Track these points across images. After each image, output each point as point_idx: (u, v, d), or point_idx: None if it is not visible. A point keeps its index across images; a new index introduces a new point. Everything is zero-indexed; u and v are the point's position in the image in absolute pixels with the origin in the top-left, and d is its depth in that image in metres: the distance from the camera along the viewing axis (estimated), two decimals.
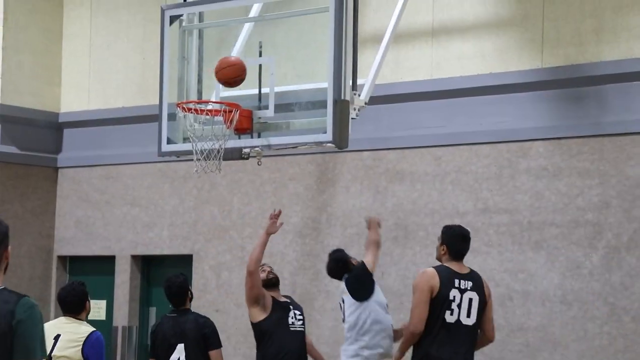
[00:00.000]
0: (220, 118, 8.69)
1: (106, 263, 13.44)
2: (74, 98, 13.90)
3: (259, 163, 8.87)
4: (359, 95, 8.57)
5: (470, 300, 7.66)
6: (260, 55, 8.96)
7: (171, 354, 8.69)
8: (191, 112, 8.69)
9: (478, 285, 7.71)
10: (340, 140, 8.19)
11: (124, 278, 13.23)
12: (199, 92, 9.40)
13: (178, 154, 9.21)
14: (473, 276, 7.75)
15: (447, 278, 7.64)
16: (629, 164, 9.74)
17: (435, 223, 10.86)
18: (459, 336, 7.63)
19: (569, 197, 10.08)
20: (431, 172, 10.92)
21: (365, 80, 8.89)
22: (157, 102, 12.73)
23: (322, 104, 8.41)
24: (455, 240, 7.74)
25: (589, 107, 10.04)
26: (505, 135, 10.44)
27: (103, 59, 13.65)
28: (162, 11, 9.30)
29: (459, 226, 8.10)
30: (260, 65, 8.89)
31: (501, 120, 10.48)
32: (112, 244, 13.32)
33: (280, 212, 8.73)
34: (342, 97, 8.25)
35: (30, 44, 13.72)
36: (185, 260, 12.74)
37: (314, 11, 8.92)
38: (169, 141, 9.17)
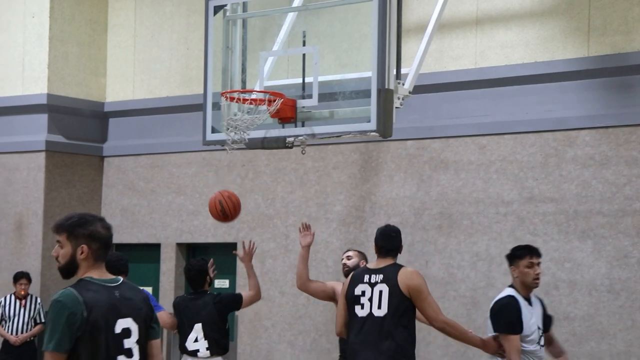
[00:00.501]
0: (264, 107, 8.57)
1: (152, 250, 13.41)
2: (119, 88, 13.86)
3: (303, 152, 8.74)
4: (403, 85, 8.43)
5: (380, 292, 7.45)
6: (304, 44, 8.84)
7: (188, 333, 8.77)
8: (235, 102, 8.58)
9: (389, 277, 7.40)
10: (385, 129, 8.06)
11: (169, 265, 13.19)
12: (243, 82, 9.28)
13: (222, 142, 9.10)
14: (386, 269, 7.45)
15: (356, 277, 7.52)
16: None
17: (479, 212, 10.72)
18: (372, 326, 7.42)
19: (617, 186, 9.89)
20: (475, 161, 10.76)
21: (410, 69, 8.75)
22: (201, 91, 12.75)
23: (366, 94, 8.27)
24: (378, 238, 7.58)
25: (637, 95, 9.84)
26: (551, 124, 10.26)
27: (147, 49, 13.59)
28: (206, 1, 9.19)
29: (385, 225, 7.88)
30: (304, 55, 8.76)
31: (547, 109, 10.30)
32: (158, 231, 13.28)
33: (308, 225, 8.66)
34: (387, 87, 8.11)
35: (76, 35, 13.69)
36: (230, 248, 12.66)
37: (357, 0, 8.78)
38: (213, 130, 9.06)
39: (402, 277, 7.38)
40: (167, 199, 13.23)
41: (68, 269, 4.89)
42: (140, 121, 13.60)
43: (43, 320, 12.53)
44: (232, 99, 8.61)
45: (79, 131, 13.74)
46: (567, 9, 10.27)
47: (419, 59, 8.80)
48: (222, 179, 12.78)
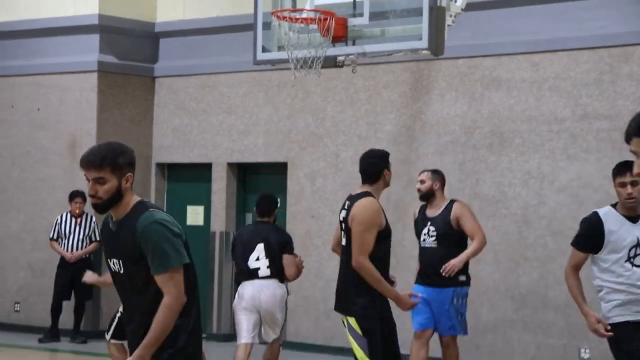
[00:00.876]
0: (314, 26, 8.43)
1: (203, 170, 13.41)
2: (169, 8, 13.75)
3: (354, 71, 8.61)
4: (456, 2, 8.23)
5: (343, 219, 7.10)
6: None
7: (249, 255, 8.91)
8: (286, 20, 8.44)
9: (350, 207, 7.08)
10: (437, 47, 7.89)
11: (220, 185, 13.18)
12: (293, 1, 9.13)
13: (273, 62, 9.01)
14: (353, 198, 7.13)
15: (344, 203, 7.19)
16: None
17: (532, 130, 10.56)
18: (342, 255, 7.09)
19: None
20: (528, 79, 10.56)
21: None
22: (251, 11, 12.62)
23: (418, 11, 8.09)
24: (360, 163, 7.17)
25: None
26: (606, 40, 10.02)
27: None
28: None
29: (369, 149, 7.45)
30: None
31: (601, 25, 10.05)
32: (209, 151, 13.26)
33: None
34: (439, 4, 7.93)
35: None
36: (280, 168, 12.64)
37: None
38: (263, 50, 8.95)
39: (354, 209, 6.95)
40: (218, 119, 13.18)
41: (110, 203, 4.76)
42: (191, 41, 13.51)
43: (98, 239, 12.63)
44: (282, 17, 8.47)
45: (130, 51, 13.68)
46: None
47: None
48: (272, 98, 12.69)
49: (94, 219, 12.84)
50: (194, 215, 13.69)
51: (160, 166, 13.77)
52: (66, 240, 12.70)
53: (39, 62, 13.79)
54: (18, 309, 13.78)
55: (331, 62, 8.56)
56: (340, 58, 8.54)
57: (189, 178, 13.70)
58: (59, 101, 13.66)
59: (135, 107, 13.69)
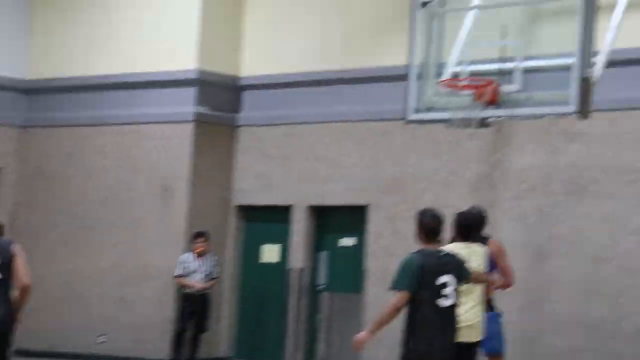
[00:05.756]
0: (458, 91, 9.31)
1: (281, 212, 14.05)
2: (255, 62, 14.47)
3: (500, 131, 9.51)
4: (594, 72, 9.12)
5: None
6: (503, 37, 9.58)
7: None
8: (449, 88, 9.27)
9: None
10: (585, 112, 8.78)
11: (299, 226, 13.82)
12: (439, 65, 10.06)
13: (423, 122, 9.86)
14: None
15: None
16: None
17: (607, 179, 11.39)
18: None
19: None
20: (606, 133, 11.41)
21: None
22: (336, 67, 13.49)
23: (559, 79, 8.99)
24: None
25: None
26: None
27: (284, 28, 14.21)
28: None
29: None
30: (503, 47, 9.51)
31: None
32: (289, 195, 13.90)
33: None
34: (586, 75, 8.81)
35: (221, 15, 14.41)
36: (359, 211, 13.32)
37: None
38: (415, 110, 9.80)
39: None
40: (301, 166, 13.85)
41: None
42: (277, 94, 14.23)
43: (216, 276, 13.33)
44: (450, 85, 9.31)
45: (222, 103, 14.41)
46: None
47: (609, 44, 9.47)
48: (357, 147, 13.41)
49: (215, 257, 13.50)
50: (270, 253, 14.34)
51: (239, 208, 14.44)
52: (190, 277, 13.29)
53: (128, 112, 14.51)
54: (103, 339, 14.24)
55: (481, 123, 9.40)
56: (490, 119, 9.38)
57: (267, 219, 14.34)
58: (153, 148, 14.30)
59: (219, 154, 14.39)
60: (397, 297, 6.98)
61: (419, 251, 7.13)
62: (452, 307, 7.07)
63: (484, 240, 8.90)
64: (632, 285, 11.05)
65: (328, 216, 13.96)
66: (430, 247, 7.13)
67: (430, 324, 7.00)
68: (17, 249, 7.78)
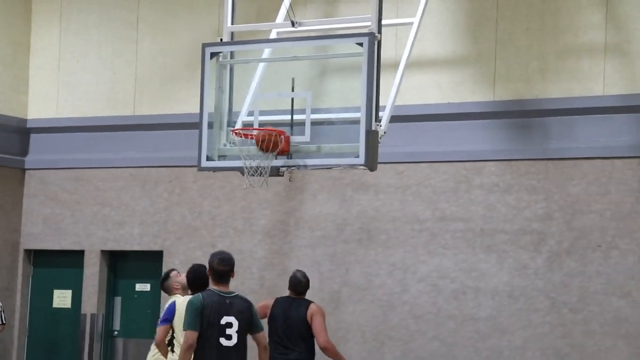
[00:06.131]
0: (250, 140, 9.49)
1: (74, 256, 13.87)
2: (41, 106, 14.21)
3: (291, 180, 9.74)
4: (380, 126, 9.49)
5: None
6: (292, 90, 9.80)
7: None
8: (240, 137, 9.43)
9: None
10: (372, 164, 9.14)
11: (93, 270, 13.69)
12: (230, 106, 10.22)
13: (215, 169, 9.95)
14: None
15: None
16: (571, 183, 11.07)
17: (396, 228, 11.93)
18: None
19: (517, 209, 11.33)
20: (394, 185, 11.95)
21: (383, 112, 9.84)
22: (127, 113, 13.47)
23: (348, 131, 9.33)
24: None
25: (535, 135, 11.31)
26: (462, 156, 11.59)
27: (73, 72, 14.03)
28: (203, 48, 10.03)
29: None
30: (292, 99, 9.76)
31: (458, 143, 11.62)
32: (82, 239, 13.76)
33: None
34: (373, 128, 9.19)
35: (4, 56, 14.05)
36: (156, 256, 13.35)
37: (344, 55, 9.86)
38: (207, 158, 9.88)
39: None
40: (92, 210, 13.74)
41: None
42: (64, 137, 14.02)
43: (4, 322, 12.64)
44: (239, 134, 9.46)
45: (6, 145, 14.05)
46: (476, 58, 11.64)
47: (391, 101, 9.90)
48: (149, 192, 13.42)
49: (0, 302, 13.19)
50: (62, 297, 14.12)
51: (28, 252, 14.14)
52: None
53: None
54: None
55: (274, 172, 9.62)
56: (283, 168, 9.61)
57: (61, 264, 14.13)
58: None
59: (4, 197, 14.03)
60: (185, 337, 7.51)
61: (204, 291, 7.71)
62: (234, 348, 7.54)
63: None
64: (420, 331, 11.63)
65: (122, 261, 13.89)
66: (218, 288, 7.65)
67: None
68: None
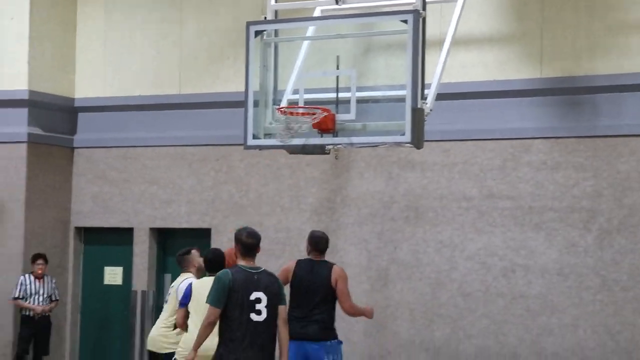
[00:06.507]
0: (304, 118, 9.46)
1: (125, 234, 14.00)
2: (88, 85, 14.28)
3: (337, 158, 9.76)
4: (426, 104, 9.44)
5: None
6: (337, 67, 9.75)
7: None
8: (286, 114, 9.42)
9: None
10: (418, 142, 9.11)
11: (142, 248, 13.82)
12: (275, 85, 10.18)
13: (261, 147, 10.00)
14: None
15: None
16: (620, 161, 10.97)
17: (443, 206, 11.90)
18: None
19: (566, 187, 11.25)
20: (440, 162, 11.91)
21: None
22: (173, 92, 13.49)
23: (395, 108, 9.29)
24: None
25: (583, 111, 11.21)
26: (508, 134, 11.51)
27: (119, 51, 14.07)
28: (247, 26, 9.99)
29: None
30: (337, 77, 9.71)
31: (504, 121, 11.53)
32: (130, 217, 13.86)
33: None
34: (419, 106, 9.14)
35: (52, 35, 14.10)
36: (204, 234, 13.44)
37: (388, 33, 9.79)
38: (254, 137, 9.90)
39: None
40: (140, 188, 13.83)
41: None
42: (112, 116, 14.10)
43: (57, 298, 13.29)
44: (283, 112, 9.45)
45: (54, 124, 14.16)
46: (522, 36, 11.53)
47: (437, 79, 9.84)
48: (196, 171, 13.48)
49: (53, 280, 13.34)
50: (113, 274, 14.28)
51: (78, 230, 14.29)
52: (31, 299, 13.13)
53: None
54: None
55: (320, 150, 9.62)
56: (329, 146, 9.61)
57: (107, 241, 14.25)
58: None
59: (55, 175, 14.16)
60: (208, 313, 7.41)
61: (232, 267, 7.54)
62: (264, 323, 7.43)
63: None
64: (470, 309, 11.62)
65: (172, 238, 13.98)
66: (245, 264, 7.50)
67: (240, 338, 7.37)
68: None
